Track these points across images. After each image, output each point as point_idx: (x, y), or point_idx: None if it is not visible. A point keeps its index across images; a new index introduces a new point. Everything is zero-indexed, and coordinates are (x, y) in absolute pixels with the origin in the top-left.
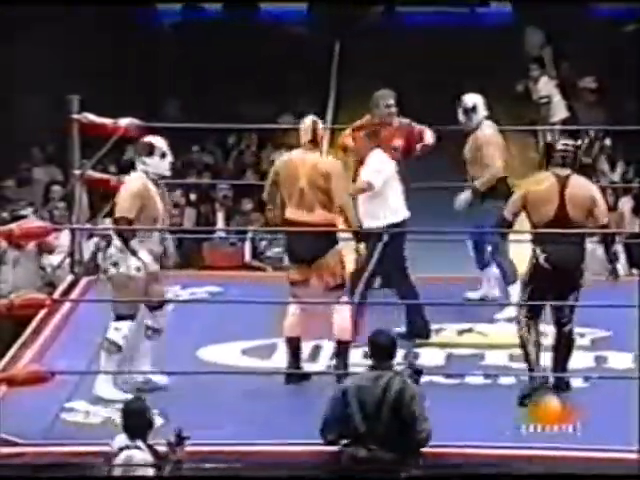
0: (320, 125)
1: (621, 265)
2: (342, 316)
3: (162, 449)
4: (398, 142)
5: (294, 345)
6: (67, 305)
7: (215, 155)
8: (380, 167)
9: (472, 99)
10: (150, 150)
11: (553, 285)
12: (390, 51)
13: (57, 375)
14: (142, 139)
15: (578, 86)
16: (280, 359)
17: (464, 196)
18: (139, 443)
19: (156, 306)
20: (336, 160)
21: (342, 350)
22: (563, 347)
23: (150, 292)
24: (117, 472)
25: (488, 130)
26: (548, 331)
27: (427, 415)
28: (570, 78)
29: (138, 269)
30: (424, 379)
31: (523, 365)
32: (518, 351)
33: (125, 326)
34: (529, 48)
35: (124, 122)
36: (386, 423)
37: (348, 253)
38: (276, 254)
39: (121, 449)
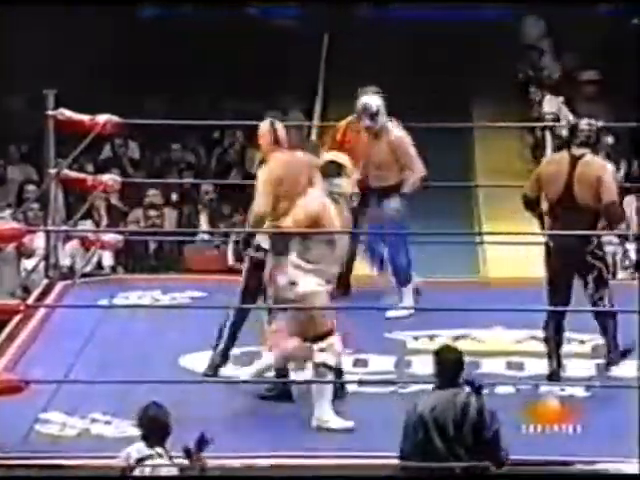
0: (279, 126)
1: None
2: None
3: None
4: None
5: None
6: (42, 311)
7: (197, 153)
8: None
9: (375, 102)
10: (339, 171)
11: (565, 268)
12: (381, 45)
13: (32, 384)
14: (329, 160)
15: (579, 79)
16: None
17: (394, 204)
18: (160, 451)
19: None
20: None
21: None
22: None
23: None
24: None
25: (398, 131)
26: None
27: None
28: (574, 70)
29: (319, 284)
30: (415, 387)
31: (520, 373)
32: (515, 358)
33: (331, 341)
34: (527, 39)
35: (102, 118)
36: (468, 444)
37: None
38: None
39: (141, 459)
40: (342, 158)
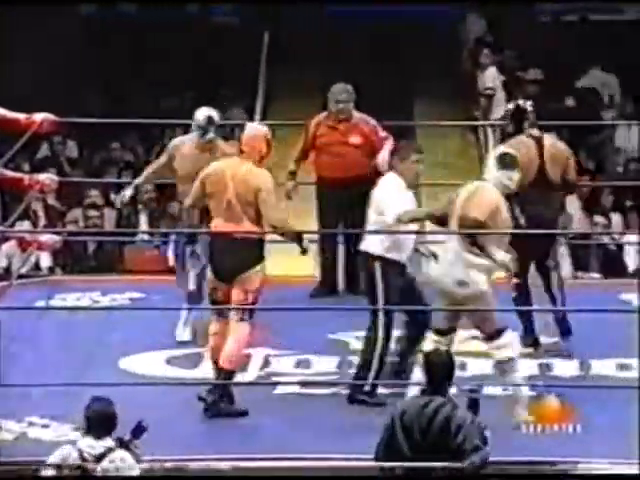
0: (248, 134)
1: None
2: (232, 343)
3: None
4: (356, 139)
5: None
6: None
7: (136, 152)
8: None
9: (204, 113)
10: (514, 164)
11: (533, 245)
12: (322, 41)
13: None
14: (506, 151)
15: (521, 78)
16: (207, 369)
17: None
18: (111, 444)
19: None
20: (266, 174)
21: (225, 377)
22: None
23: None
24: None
25: (227, 147)
26: None
27: (482, 445)
28: (514, 69)
29: (488, 283)
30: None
31: (463, 373)
32: (458, 358)
33: (506, 338)
34: (469, 36)
35: (39, 117)
36: (432, 453)
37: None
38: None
39: (104, 454)
40: (515, 151)
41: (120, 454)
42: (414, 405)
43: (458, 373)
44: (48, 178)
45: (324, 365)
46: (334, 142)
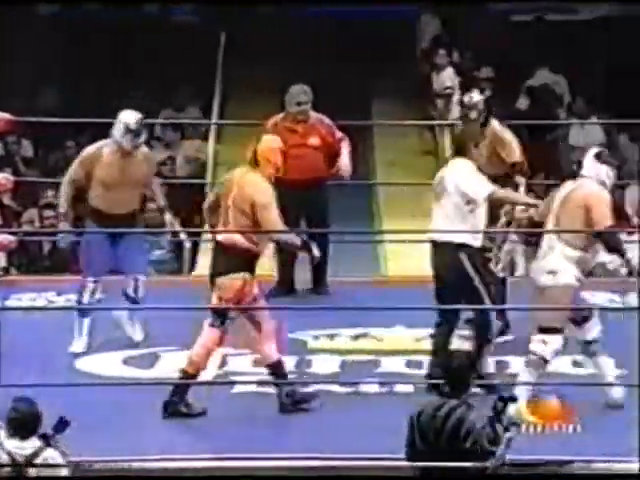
0: (265, 146)
1: (520, 264)
2: (197, 347)
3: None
4: (315, 140)
5: None
6: None
7: None
8: None
9: (134, 117)
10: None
11: None
12: (280, 41)
13: None
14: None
15: (476, 77)
16: (163, 369)
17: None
18: (39, 444)
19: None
20: (265, 189)
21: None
22: None
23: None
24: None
25: (149, 152)
26: None
27: (494, 449)
28: (469, 69)
29: (577, 279)
30: (315, 387)
31: (419, 371)
32: (414, 357)
33: (555, 340)
34: (424, 36)
35: None
36: (445, 454)
37: None
38: (158, 257)
39: (35, 454)
40: None
41: (50, 453)
42: (430, 406)
43: (415, 371)
44: (4, 178)
45: None
46: (293, 144)
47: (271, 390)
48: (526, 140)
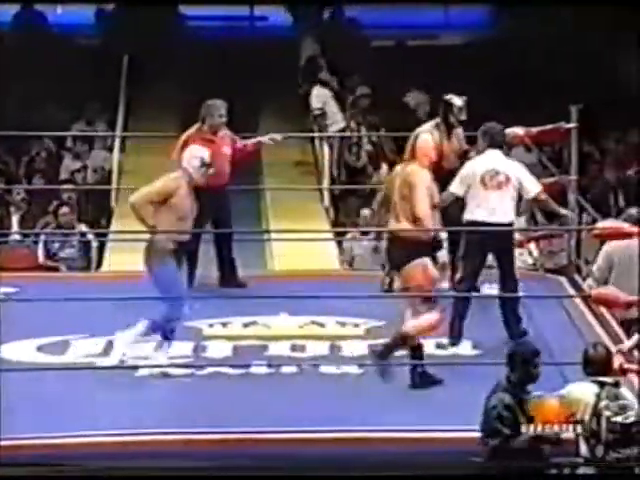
0: (422, 143)
1: None
2: (423, 319)
3: None
4: (227, 149)
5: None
6: None
7: (7, 162)
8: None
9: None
10: None
11: None
12: (178, 63)
13: None
14: None
15: (355, 93)
16: (74, 355)
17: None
18: None
19: None
20: (425, 173)
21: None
22: None
23: None
24: None
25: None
26: None
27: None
28: (348, 88)
29: None
30: (210, 370)
31: (303, 354)
32: (298, 342)
33: None
34: (304, 57)
35: None
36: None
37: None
38: (68, 255)
39: None
40: None
41: None
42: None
43: (298, 354)
44: None
45: (181, 349)
46: (212, 154)
47: (176, 372)
48: None
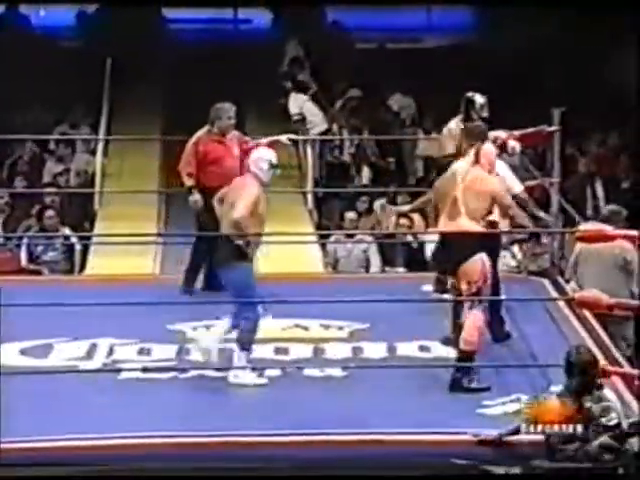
0: (487, 149)
1: (374, 263)
2: (468, 326)
3: None
4: (237, 150)
5: None
6: None
7: None
8: None
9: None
10: None
11: None
12: (162, 65)
13: None
14: None
15: (345, 95)
16: (57, 358)
17: None
18: None
19: None
20: (496, 179)
21: (465, 359)
22: None
23: None
24: None
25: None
26: None
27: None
28: (333, 90)
29: None
30: (194, 373)
31: (286, 357)
32: (281, 344)
33: None
34: (288, 59)
35: None
36: None
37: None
38: (52, 258)
39: None
40: None
41: None
42: None
43: (281, 357)
44: None
45: (163, 352)
46: (223, 155)
47: (154, 376)
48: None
